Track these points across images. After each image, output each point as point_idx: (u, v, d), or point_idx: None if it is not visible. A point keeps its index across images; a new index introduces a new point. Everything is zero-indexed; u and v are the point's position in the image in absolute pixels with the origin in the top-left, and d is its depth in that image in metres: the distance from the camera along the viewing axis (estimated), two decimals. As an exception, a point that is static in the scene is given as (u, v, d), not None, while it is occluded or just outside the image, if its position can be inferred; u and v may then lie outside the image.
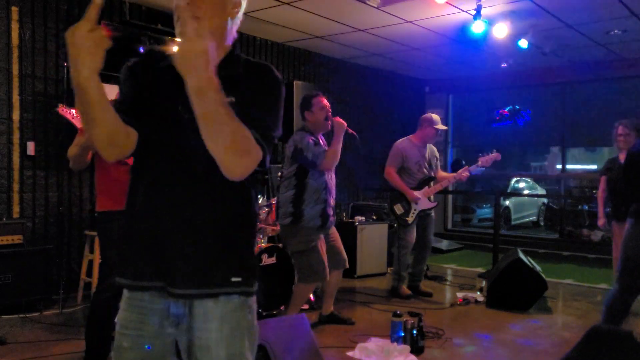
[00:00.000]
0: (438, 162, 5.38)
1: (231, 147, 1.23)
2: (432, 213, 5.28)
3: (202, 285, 1.36)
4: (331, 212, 4.00)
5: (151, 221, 1.38)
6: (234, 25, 1.50)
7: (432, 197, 5.21)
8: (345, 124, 3.89)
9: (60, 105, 2.80)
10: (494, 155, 5.21)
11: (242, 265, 1.41)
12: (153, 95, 1.41)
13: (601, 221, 4.92)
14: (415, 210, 5.09)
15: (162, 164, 1.40)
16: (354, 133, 4.02)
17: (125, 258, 1.43)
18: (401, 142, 5.21)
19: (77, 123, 2.81)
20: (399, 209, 5.11)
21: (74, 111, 2.79)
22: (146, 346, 1.39)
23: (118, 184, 3.02)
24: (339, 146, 3.85)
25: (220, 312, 1.36)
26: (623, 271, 3.37)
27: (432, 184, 5.20)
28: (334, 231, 4.17)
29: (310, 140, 3.86)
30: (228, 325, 1.37)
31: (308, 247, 3.85)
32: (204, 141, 1.21)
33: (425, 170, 5.18)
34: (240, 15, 1.50)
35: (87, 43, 1.20)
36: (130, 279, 1.41)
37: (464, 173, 5.18)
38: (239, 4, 1.48)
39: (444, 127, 5.28)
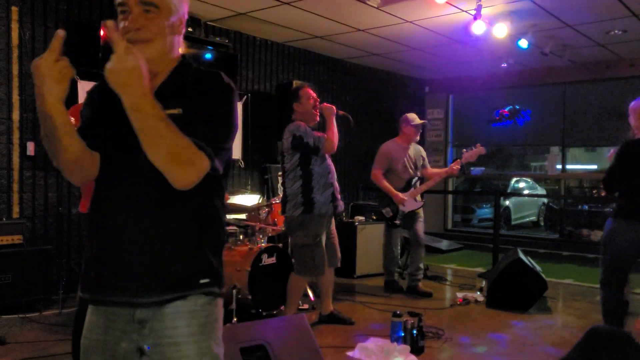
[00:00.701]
0: (426, 161, 5.47)
1: (172, 159, 1.27)
2: (421, 213, 5.35)
3: (167, 291, 1.37)
4: (339, 196, 4.07)
5: (111, 235, 1.41)
6: (181, 37, 1.52)
7: (419, 197, 5.26)
8: (334, 107, 4.01)
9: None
10: (478, 150, 5.17)
11: (208, 269, 1.43)
12: (109, 114, 1.43)
13: None
14: (403, 212, 5.19)
15: (120, 178, 1.42)
16: (346, 114, 4.15)
17: (88, 271, 1.46)
18: (387, 144, 5.32)
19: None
20: (387, 212, 5.22)
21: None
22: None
23: None
24: (334, 128, 3.97)
25: (188, 308, 1.39)
26: (606, 271, 3.54)
27: (418, 184, 5.30)
28: (333, 228, 4.19)
29: (307, 127, 3.94)
30: (196, 322, 1.39)
31: (314, 241, 3.88)
32: (146, 154, 1.26)
33: (411, 170, 5.26)
34: (184, 27, 1.52)
35: (52, 72, 1.28)
36: (91, 293, 1.44)
37: (455, 166, 5.22)
38: (183, 22, 1.50)
39: (421, 122, 5.36)
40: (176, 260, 1.39)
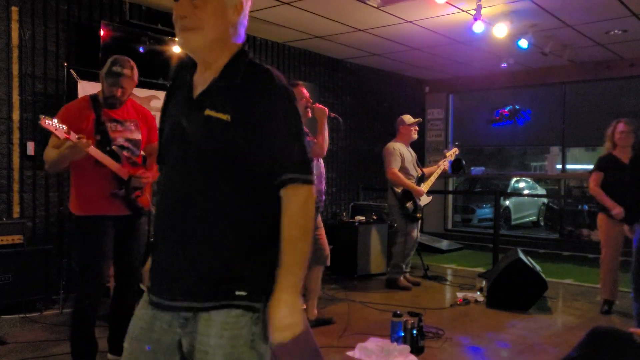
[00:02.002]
0: (418, 163, 5.77)
1: (308, 232, 1.40)
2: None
3: (199, 299, 1.36)
4: (323, 197, 4.09)
5: (161, 235, 1.45)
6: (240, 27, 1.48)
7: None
8: (326, 109, 3.98)
9: (42, 117, 2.73)
10: (454, 150, 5.83)
11: (248, 281, 1.38)
12: (169, 125, 1.52)
13: (617, 209, 4.46)
14: (420, 205, 5.42)
15: (170, 175, 1.45)
16: (337, 116, 4.17)
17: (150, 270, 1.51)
18: (395, 144, 5.47)
19: (60, 134, 2.70)
20: (410, 206, 5.37)
21: (55, 121, 2.73)
22: (147, 346, 1.40)
23: (96, 187, 2.92)
24: (326, 132, 3.95)
25: (221, 319, 1.36)
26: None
27: (425, 180, 5.58)
28: (319, 224, 4.10)
29: None
30: (228, 333, 1.35)
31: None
32: None
33: (415, 169, 5.52)
34: (244, 16, 1.48)
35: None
36: (149, 293, 1.48)
37: (442, 163, 5.68)
38: (241, 8, 1.45)
39: (416, 120, 5.58)
40: (211, 268, 1.37)
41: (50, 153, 2.86)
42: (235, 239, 1.37)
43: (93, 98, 3.03)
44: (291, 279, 1.35)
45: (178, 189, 1.41)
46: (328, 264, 4.15)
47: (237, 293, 1.36)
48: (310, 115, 4.01)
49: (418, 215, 5.41)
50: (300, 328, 1.37)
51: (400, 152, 5.35)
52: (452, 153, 5.78)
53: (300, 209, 1.36)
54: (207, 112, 1.38)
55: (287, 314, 1.34)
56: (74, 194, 3.02)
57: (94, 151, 2.84)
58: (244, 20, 1.49)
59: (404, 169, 5.34)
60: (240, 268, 1.37)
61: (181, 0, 1.39)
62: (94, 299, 2.98)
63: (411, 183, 5.34)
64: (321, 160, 4.10)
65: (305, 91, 4.03)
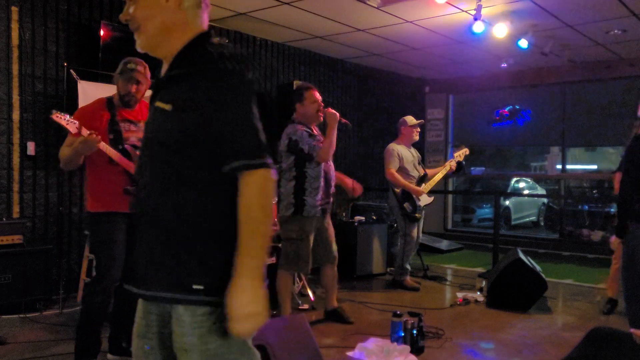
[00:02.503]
0: (422, 163, 5.75)
1: (268, 214, 1.34)
2: (423, 212, 5.60)
3: (160, 289, 1.33)
4: (330, 200, 4.10)
5: (133, 223, 1.47)
6: (190, 11, 1.40)
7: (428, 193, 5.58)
8: (338, 114, 3.96)
9: (54, 111, 2.83)
10: (464, 150, 5.72)
11: (206, 273, 1.31)
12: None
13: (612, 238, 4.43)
14: (420, 206, 5.40)
15: (142, 171, 1.44)
16: (347, 122, 4.16)
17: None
18: (393, 145, 5.52)
19: (71, 128, 2.84)
20: (408, 206, 5.39)
21: (68, 116, 2.84)
22: (146, 346, 1.40)
23: (110, 184, 3.01)
24: (333, 138, 3.91)
25: (189, 319, 1.31)
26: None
27: (426, 180, 5.56)
28: (329, 225, 4.17)
29: (304, 132, 3.93)
30: (198, 332, 1.30)
31: (300, 237, 3.94)
32: None
33: (417, 169, 5.52)
34: (193, 2, 1.40)
35: None
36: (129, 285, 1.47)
37: (450, 163, 5.59)
38: None
39: (418, 122, 5.59)
40: (167, 258, 1.32)
41: (64, 151, 2.98)
42: (190, 232, 1.31)
43: (109, 100, 3.15)
44: (250, 262, 1.27)
45: (143, 184, 1.41)
46: (336, 262, 4.23)
47: (195, 287, 1.29)
48: (322, 119, 4.02)
49: (417, 215, 5.40)
50: (263, 318, 1.26)
51: (399, 153, 5.39)
52: (461, 154, 5.70)
53: (257, 192, 1.29)
54: (157, 103, 1.39)
55: (246, 301, 1.24)
56: (89, 191, 3.14)
57: (104, 147, 2.94)
58: (200, 3, 1.42)
59: (403, 170, 5.38)
60: (196, 262, 1.30)
61: (126, 6, 1.41)
62: (109, 293, 3.02)
63: (409, 183, 5.34)
64: (331, 163, 4.10)
65: (317, 94, 4.05)
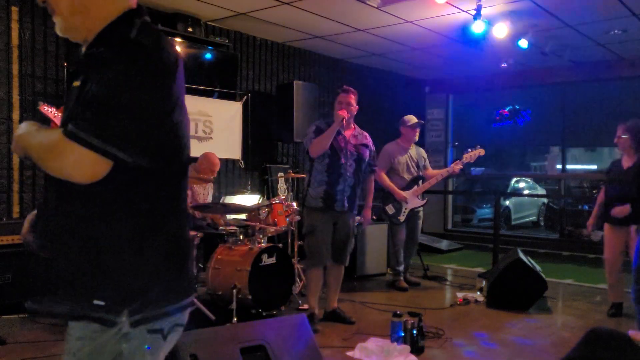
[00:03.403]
0: (427, 162, 5.70)
1: (39, 160, 1.22)
2: (421, 212, 5.60)
3: (57, 305, 1.26)
4: (339, 196, 4.05)
5: None
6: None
7: (421, 195, 5.49)
8: (345, 118, 4.01)
9: (41, 103, 2.76)
10: (478, 151, 5.49)
11: (109, 287, 1.20)
12: None
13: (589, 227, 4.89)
14: (405, 209, 5.39)
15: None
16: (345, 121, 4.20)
17: None
18: (389, 145, 5.55)
19: (58, 122, 2.79)
20: (390, 209, 5.41)
21: (54, 110, 2.77)
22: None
23: None
24: (325, 136, 3.98)
25: (77, 334, 1.21)
26: None
27: (420, 182, 5.50)
28: (349, 226, 4.17)
29: (315, 127, 4.13)
30: (87, 349, 1.19)
31: (309, 232, 4.08)
32: None
33: (413, 170, 5.49)
34: None
35: None
36: None
37: (456, 166, 5.44)
38: None
39: (417, 121, 5.55)
40: (66, 271, 1.24)
41: None
42: (83, 245, 1.21)
43: None
44: (32, 141, 1.24)
45: (52, 188, 1.34)
46: (346, 264, 4.29)
47: (96, 302, 1.18)
48: (345, 123, 4.06)
49: (400, 218, 5.37)
50: (19, 137, 1.27)
51: (390, 154, 5.42)
52: (472, 155, 5.43)
53: (50, 147, 1.17)
54: (74, 83, 1.29)
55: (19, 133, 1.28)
56: None
57: None
58: None
59: (394, 171, 5.40)
60: (97, 271, 1.20)
61: None
62: None
63: (392, 186, 5.32)
64: (351, 162, 4.08)
65: (345, 97, 4.10)
